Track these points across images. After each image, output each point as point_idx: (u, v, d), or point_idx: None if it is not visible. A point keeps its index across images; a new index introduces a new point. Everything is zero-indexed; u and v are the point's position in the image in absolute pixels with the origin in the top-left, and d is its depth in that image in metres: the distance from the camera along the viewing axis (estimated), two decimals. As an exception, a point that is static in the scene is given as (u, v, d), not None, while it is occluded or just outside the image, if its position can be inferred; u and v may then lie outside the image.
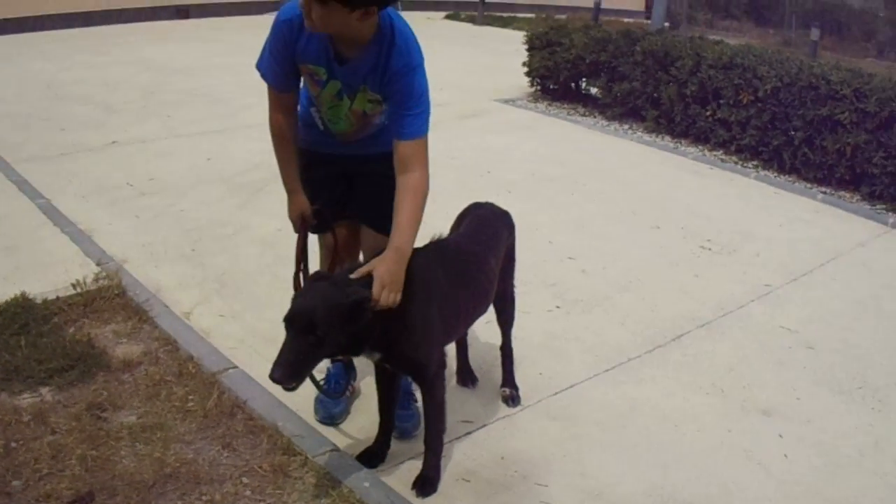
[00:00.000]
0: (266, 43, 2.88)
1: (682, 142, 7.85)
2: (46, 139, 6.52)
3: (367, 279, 2.64)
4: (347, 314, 2.54)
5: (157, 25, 11.97)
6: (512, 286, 3.49)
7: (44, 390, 3.36)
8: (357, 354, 2.86)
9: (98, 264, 4.40)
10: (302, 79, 2.94)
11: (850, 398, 3.86)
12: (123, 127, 6.98)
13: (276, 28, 2.80)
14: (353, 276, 2.65)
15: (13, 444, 3.03)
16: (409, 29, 2.82)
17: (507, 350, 3.59)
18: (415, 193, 2.80)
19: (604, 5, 15.73)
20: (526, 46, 9.38)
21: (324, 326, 2.51)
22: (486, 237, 3.17)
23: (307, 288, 2.72)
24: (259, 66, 2.93)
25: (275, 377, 2.49)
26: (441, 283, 2.88)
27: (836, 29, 16.83)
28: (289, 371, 2.49)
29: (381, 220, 2.93)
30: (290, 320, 2.53)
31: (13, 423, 3.13)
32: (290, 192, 3.09)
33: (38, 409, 3.22)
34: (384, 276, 2.63)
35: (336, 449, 3.09)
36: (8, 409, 3.21)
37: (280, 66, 2.86)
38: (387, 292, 2.63)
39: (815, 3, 17.21)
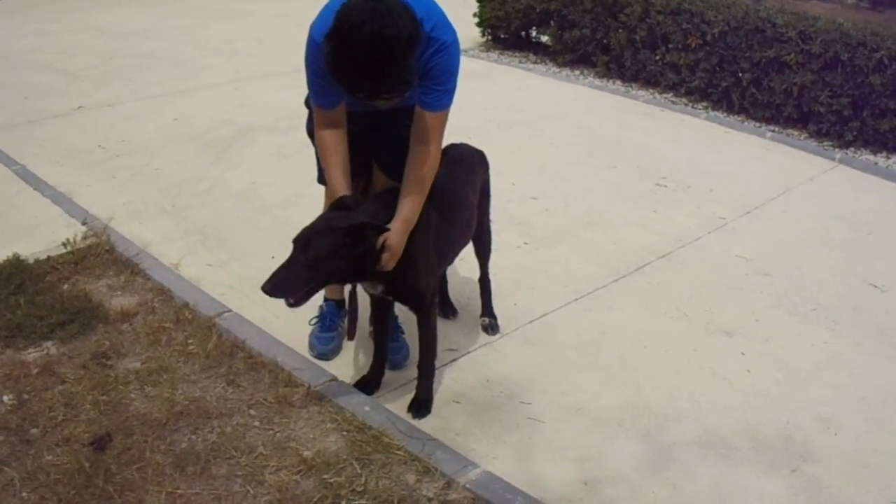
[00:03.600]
0: (307, 73, 2.96)
1: (633, 85, 8.07)
2: (11, 108, 6.54)
3: (377, 212, 2.93)
4: (343, 239, 2.77)
5: (104, -10, 11.84)
6: (488, 220, 3.72)
7: (48, 344, 3.52)
8: (362, 281, 3.08)
9: (83, 223, 4.53)
10: None
11: (804, 319, 4.14)
12: (87, 92, 7.00)
13: (313, 50, 2.86)
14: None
15: (25, 396, 3.20)
16: (433, 4, 2.92)
17: (484, 281, 3.84)
18: (428, 168, 3.00)
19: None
20: (477, -2, 9.50)
21: (316, 248, 2.75)
22: (463, 174, 3.40)
23: (322, 214, 2.93)
24: (311, 101, 3.05)
25: (264, 288, 2.73)
26: (433, 219, 3.11)
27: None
28: (274, 284, 2.73)
29: (394, 168, 3.12)
30: (294, 240, 2.79)
31: (23, 377, 3.30)
32: (333, 195, 3.09)
33: (45, 362, 3.39)
34: (394, 246, 2.89)
35: (334, 379, 3.32)
36: (16, 364, 3.37)
37: (328, 85, 2.88)
38: (392, 260, 2.91)
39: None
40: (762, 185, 5.79)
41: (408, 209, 2.95)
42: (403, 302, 3.21)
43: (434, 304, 3.18)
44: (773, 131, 6.93)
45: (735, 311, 4.16)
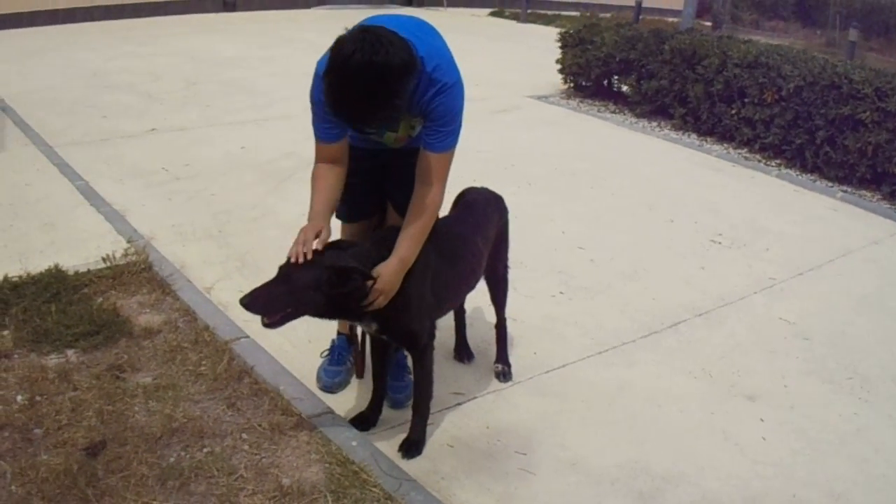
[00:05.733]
0: (311, 106, 3.01)
1: (708, 139, 7.96)
2: (89, 125, 6.86)
3: (370, 253, 2.95)
4: (328, 276, 2.80)
5: (205, 18, 12.31)
6: (505, 267, 3.70)
7: (70, 352, 3.66)
8: (354, 320, 3.13)
9: (129, 241, 4.69)
10: None
11: (838, 387, 3.98)
12: (163, 115, 7.29)
13: (317, 84, 2.89)
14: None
15: (37, 398, 3.32)
16: (440, 45, 2.96)
17: (500, 328, 3.80)
18: (429, 209, 3.01)
19: (647, 4, 15.78)
20: (559, 44, 9.53)
21: (298, 277, 2.80)
22: (473, 219, 3.39)
23: (318, 251, 2.94)
24: (315, 134, 3.09)
25: (242, 301, 2.81)
26: (433, 261, 3.11)
27: (885, 30, 16.65)
28: (252, 299, 2.79)
29: (406, 208, 3.09)
30: (280, 267, 2.86)
31: (39, 380, 3.43)
32: (313, 216, 3.01)
33: (63, 369, 3.51)
34: (384, 283, 2.90)
35: (331, 412, 3.34)
36: (35, 368, 3.51)
37: (329, 122, 2.96)
38: (382, 298, 2.91)
39: (863, 3, 17.02)
40: (821, 246, 5.62)
41: (405, 248, 2.95)
42: (398, 342, 3.23)
43: (430, 346, 3.17)
44: (845, 192, 6.74)
45: (764, 375, 4.02)
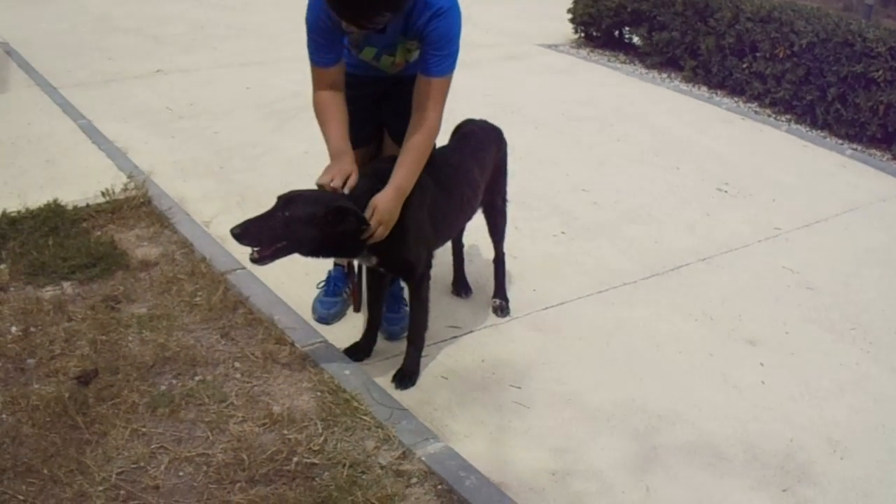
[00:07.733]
0: (307, 30, 2.96)
1: (718, 93, 7.85)
2: (94, 67, 6.79)
3: (369, 187, 2.89)
4: (324, 214, 2.75)
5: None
6: (503, 200, 3.66)
7: (66, 284, 3.64)
8: (353, 256, 3.09)
9: (129, 177, 4.65)
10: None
11: (840, 337, 3.93)
12: (170, 57, 7.21)
13: (312, 26, 2.90)
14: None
15: (32, 329, 3.32)
16: None
17: (498, 262, 3.78)
18: (426, 135, 2.96)
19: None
20: (570, -7, 9.40)
21: (296, 209, 2.75)
22: (470, 150, 3.35)
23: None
24: (310, 60, 3.02)
25: (233, 232, 2.73)
26: (430, 191, 3.07)
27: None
28: (244, 229, 2.73)
29: (403, 136, 3.03)
30: (278, 197, 2.80)
31: (34, 312, 3.42)
32: (338, 153, 2.98)
33: (59, 301, 3.50)
34: (383, 214, 2.85)
35: (325, 342, 3.33)
36: (31, 300, 3.50)
37: (326, 44, 2.93)
38: (382, 229, 2.87)
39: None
40: (829, 200, 5.54)
41: (401, 177, 2.91)
42: (395, 273, 3.21)
43: (427, 276, 3.15)
44: (855, 149, 6.63)
45: (766, 321, 3.98)
